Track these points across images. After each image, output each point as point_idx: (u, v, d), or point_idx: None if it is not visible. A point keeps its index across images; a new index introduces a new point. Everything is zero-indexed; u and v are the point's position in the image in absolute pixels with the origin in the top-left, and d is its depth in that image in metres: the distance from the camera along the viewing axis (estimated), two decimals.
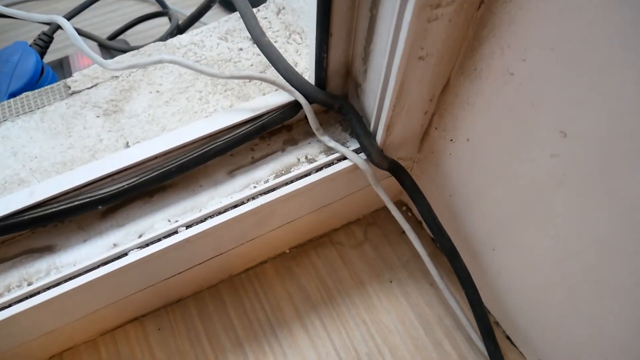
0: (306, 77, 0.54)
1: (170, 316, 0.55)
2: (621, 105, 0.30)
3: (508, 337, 0.55)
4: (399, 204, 0.64)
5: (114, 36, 0.78)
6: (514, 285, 0.49)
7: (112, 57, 0.71)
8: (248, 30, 0.50)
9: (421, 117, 0.47)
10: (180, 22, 0.73)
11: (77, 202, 0.42)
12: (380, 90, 0.42)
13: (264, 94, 0.54)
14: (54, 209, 0.42)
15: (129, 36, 0.81)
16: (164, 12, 0.77)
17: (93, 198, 0.43)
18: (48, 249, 0.44)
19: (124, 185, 0.43)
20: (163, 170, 0.44)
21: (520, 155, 0.40)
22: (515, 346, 0.55)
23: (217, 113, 0.48)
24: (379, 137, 0.46)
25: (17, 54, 0.64)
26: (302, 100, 0.47)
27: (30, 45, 0.66)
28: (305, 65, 0.56)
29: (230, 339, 0.54)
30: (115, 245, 0.44)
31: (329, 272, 0.58)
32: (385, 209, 0.63)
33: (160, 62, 0.45)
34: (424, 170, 0.56)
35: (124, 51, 0.71)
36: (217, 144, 0.45)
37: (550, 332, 0.47)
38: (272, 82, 0.46)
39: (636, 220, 0.33)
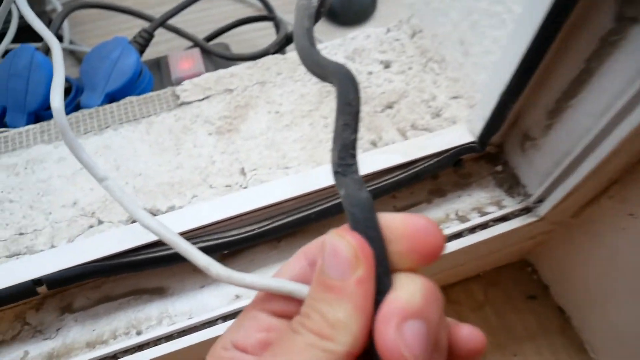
0: (447, 113, 0.47)
1: None
2: None
3: None
4: (524, 264, 0.56)
5: (210, 37, 0.72)
6: None
7: (212, 62, 0.65)
8: None
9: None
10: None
11: (201, 244, 0.36)
12: (577, 153, 0.35)
13: (397, 129, 0.48)
14: (173, 251, 0.36)
15: (226, 39, 0.75)
16: (269, 17, 0.70)
17: (219, 241, 0.36)
18: (159, 292, 0.38)
19: (255, 229, 0.37)
20: (300, 216, 0.37)
21: None
22: None
23: (364, 154, 0.41)
24: (552, 199, 0.39)
25: (117, 51, 0.59)
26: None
27: (129, 42, 0.61)
28: (444, 100, 0.49)
29: None
30: (237, 297, 0.37)
31: None
32: (507, 267, 0.56)
33: None
34: (573, 238, 0.48)
35: (225, 57, 0.65)
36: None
37: None
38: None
39: None
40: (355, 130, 0.23)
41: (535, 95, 0.37)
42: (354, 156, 0.23)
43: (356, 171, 0.23)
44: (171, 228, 0.25)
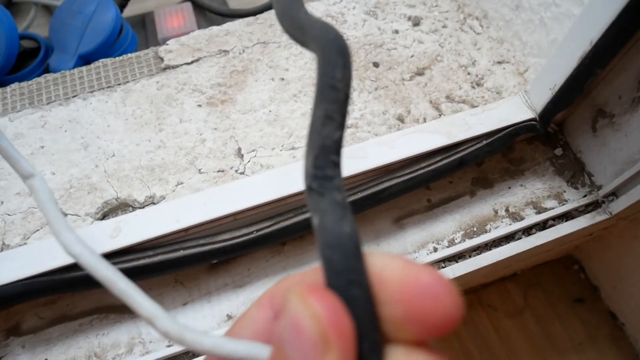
0: (490, 82, 0.38)
1: None
2: None
3: None
4: (569, 261, 0.48)
5: None
6: None
7: (206, 20, 0.55)
8: None
9: None
10: None
11: (183, 252, 0.28)
12: None
13: (429, 100, 0.39)
14: (148, 260, 0.27)
15: None
16: None
17: (206, 248, 0.28)
18: (130, 311, 0.30)
19: (252, 233, 0.29)
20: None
21: None
22: None
23: (394, 133, 0.32)
24: (634, 195, 0.31)
25: (92, 4, 0.50)
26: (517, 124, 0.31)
27: None
28: (486, 66, 0.40)
29: None
30: (229, 317, 0.29)
31: (478, 345, 0.44)
32: (550, 264, 0.48)
33: None
34: (638, 234, 0.40)
35: (221, 14, 0.55)
36: (395, 182, 0.30)
37: None
38: None
39: None
40: (341, 125, 0.16)
41: (625, 58, 0.28)
42: (337, 165, 0.15)
43: (339, 188, 0.15)
44: (108, 264, 0.17)
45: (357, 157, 0.30)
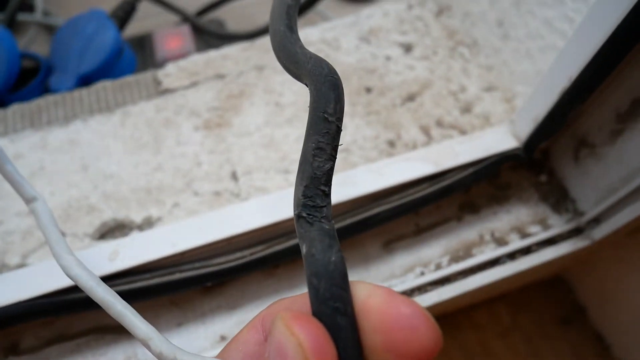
0: (479, 109, 0.40)
1: None
2: None
3: None
4: (557, 282, 0.49)
5: (203, 12, 0.63)
6: None
7: (204, 42, 0.57)
8: None
9: None
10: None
11: (179, 275, 0.29)
12: None
13: (420, 126, 0.40)
14: (146, 282, 0.28)
15: (221, 14, 0.67)
16: None
17: (201, 271, 0.29)
18: (126, 331, 0.31)
19: (246, 256, 0.30)
20: None
21: None
22: None
23: (383, 161, 0.33)
24: (614, 222, 0.32)
25: (92, 25, 0.51)
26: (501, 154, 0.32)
27: (108, 16, 0.52)
28: (475, 92, 0.42)
29: None
30: (223, 338, 0.30)
31: None
32: (539, 287, 0.49)
33: None
34: (623, 257, 0.41)
35: (218, 36, 0.57)
36: (384, 208, 0.31)
37: None
38: None
39: None
40: (332, 156, 0.17)
41: (605, 92, 0.30)
42: (326, 195, 0.17)
43: (327, 217, 0.16)
44: (107, 287, 0.18)
45: (347, 184, 0.31)
